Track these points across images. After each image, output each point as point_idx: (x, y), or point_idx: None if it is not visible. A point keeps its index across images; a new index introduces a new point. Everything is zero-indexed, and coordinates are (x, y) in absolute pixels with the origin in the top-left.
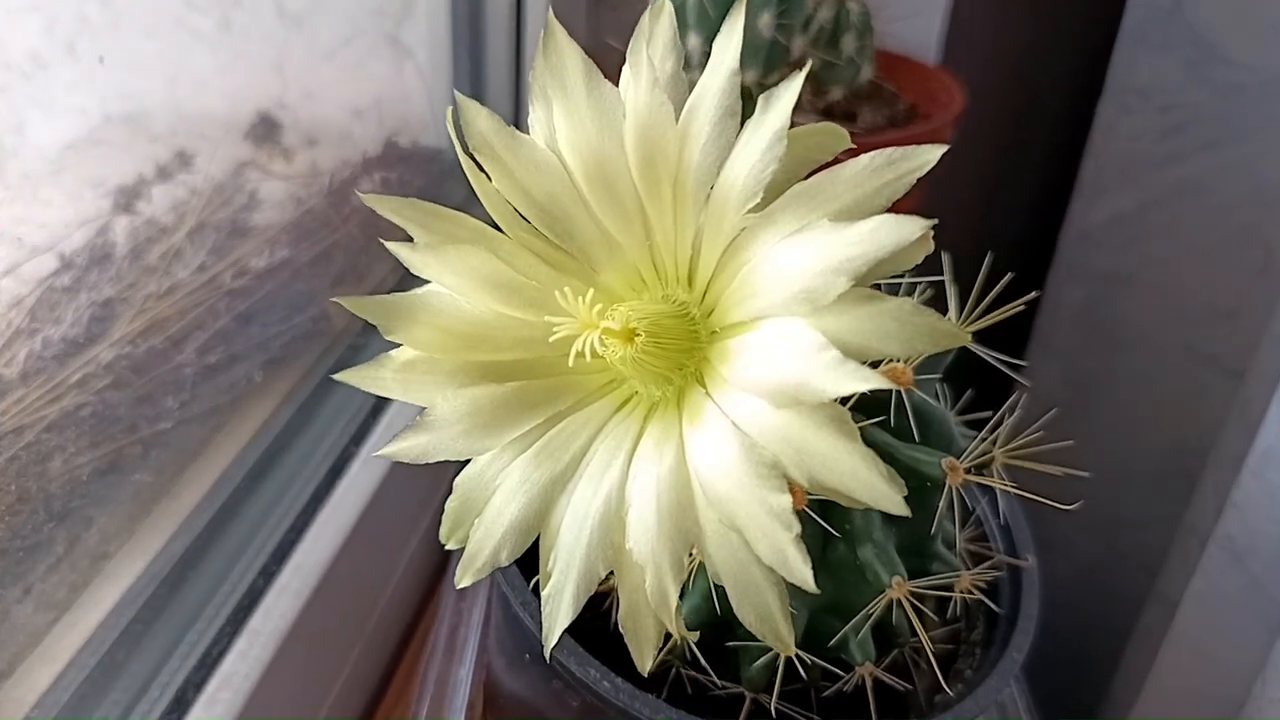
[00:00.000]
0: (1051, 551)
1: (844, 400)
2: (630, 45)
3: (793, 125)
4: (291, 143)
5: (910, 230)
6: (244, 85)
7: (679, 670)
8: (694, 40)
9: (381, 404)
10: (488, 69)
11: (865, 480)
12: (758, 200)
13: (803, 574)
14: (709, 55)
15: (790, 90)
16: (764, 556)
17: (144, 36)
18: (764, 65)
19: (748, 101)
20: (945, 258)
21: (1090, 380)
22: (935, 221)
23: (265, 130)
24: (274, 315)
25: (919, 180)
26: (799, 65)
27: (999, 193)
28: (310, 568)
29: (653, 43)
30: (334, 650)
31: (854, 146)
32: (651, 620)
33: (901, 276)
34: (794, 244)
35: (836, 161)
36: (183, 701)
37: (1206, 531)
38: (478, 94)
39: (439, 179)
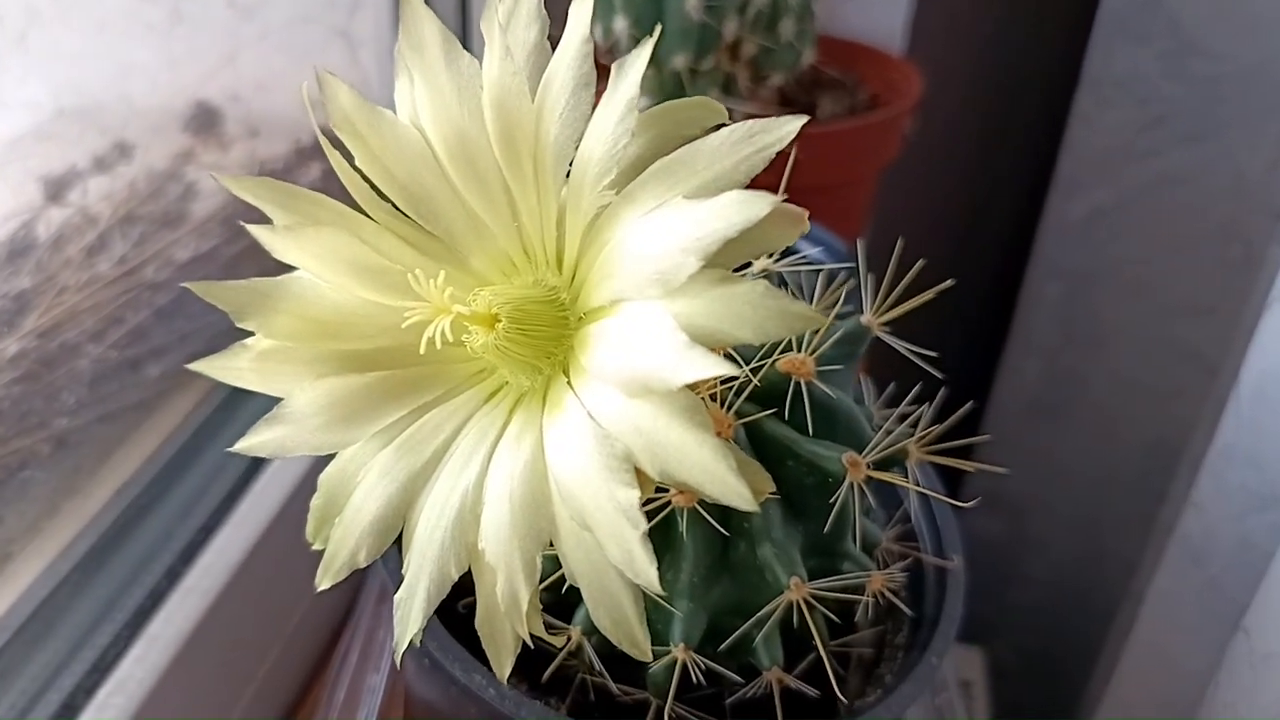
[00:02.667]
0: (1029, 551)
1: (738, 391)
2: (483, 14)
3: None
4: (233, 133)
5: (760, 207)
6: (196, 77)
7: (584, 676)
8: (621, 24)
9: None
10: None
11: (714, 474)
12: (612, 177)
13: (648, 575)
14: (637, 40)
15: (639, 62)
16: (611, 555)
17: (95, 29)
18: (695, 50)
19: (678, 89)
20: (859, 245)
21: (1069, 377)
22: (785, 198)
23: (205, 120)
24: (197, 309)
25: (894, 172)
26: (733, 49)
27: (976, 186)
28: (219, 569)
29: (515, 11)
30: (245, 655)
31: (726, 123)
32: (509, 625)
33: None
34: (649, 222)
35: None
36: (71, 707)
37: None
38: None
39: None
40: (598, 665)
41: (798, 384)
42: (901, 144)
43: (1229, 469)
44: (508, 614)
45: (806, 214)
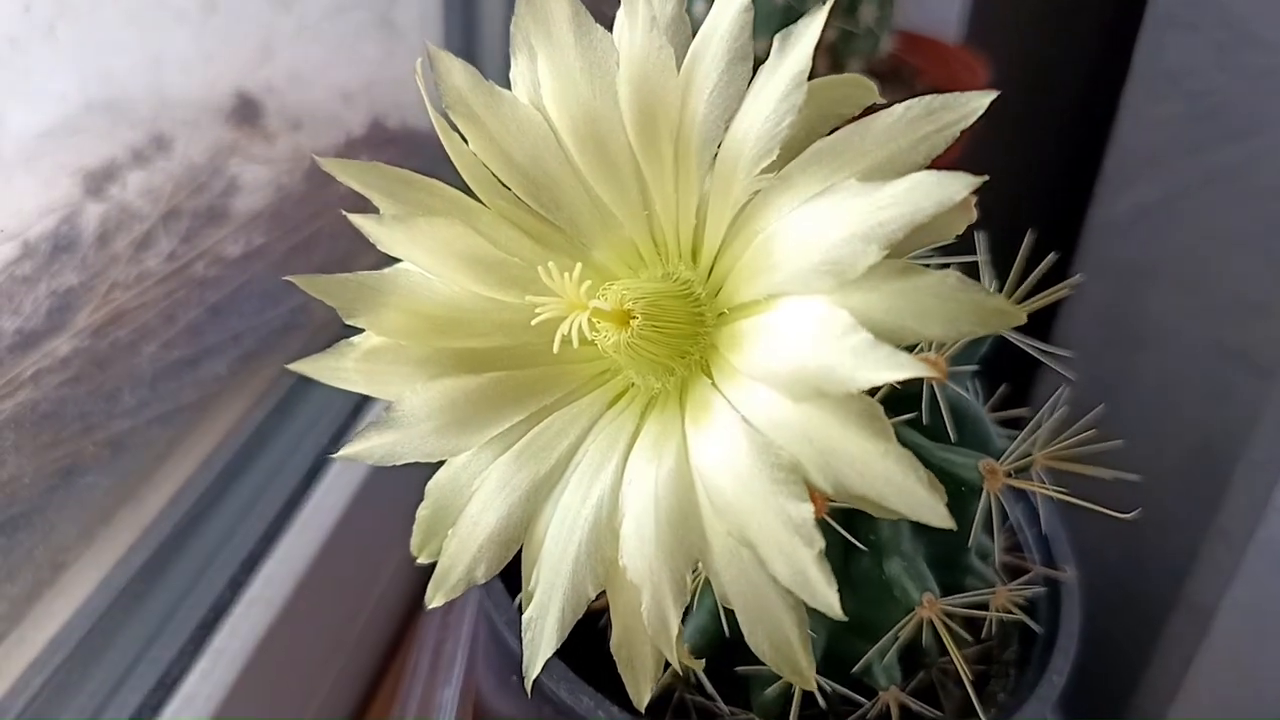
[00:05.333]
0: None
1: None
2: None
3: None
4: (274, 126)
5: (955, 189)
6: (230, 68)
7: (682, 695)
8: (700, 7)
9: (365, 401)
10: (481, 48)
11: (902, 487)
12: (773, 158)
13: (826, 597)
14: None
15: (811, 29)
16: (780, 576)
17: (126, 20)
18: (777, 34)
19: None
20: (979, 237)
21: (1113, 378)
22: (985, 178)
23: (246, 113)
24: (249, 307)
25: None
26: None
27: (1019, 180)
28: (282, 579)
29: None
30: (309, 669)
31: (882, 101)
32: (649, 647)
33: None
34: (816, 208)
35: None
36: None
37: (1240, 536)
38: None
39: (431, 163)
40: (708, 686)
41: (929, 385)
42: (967, 137)
43: None
44: (655, 637)
45: (975, 199)
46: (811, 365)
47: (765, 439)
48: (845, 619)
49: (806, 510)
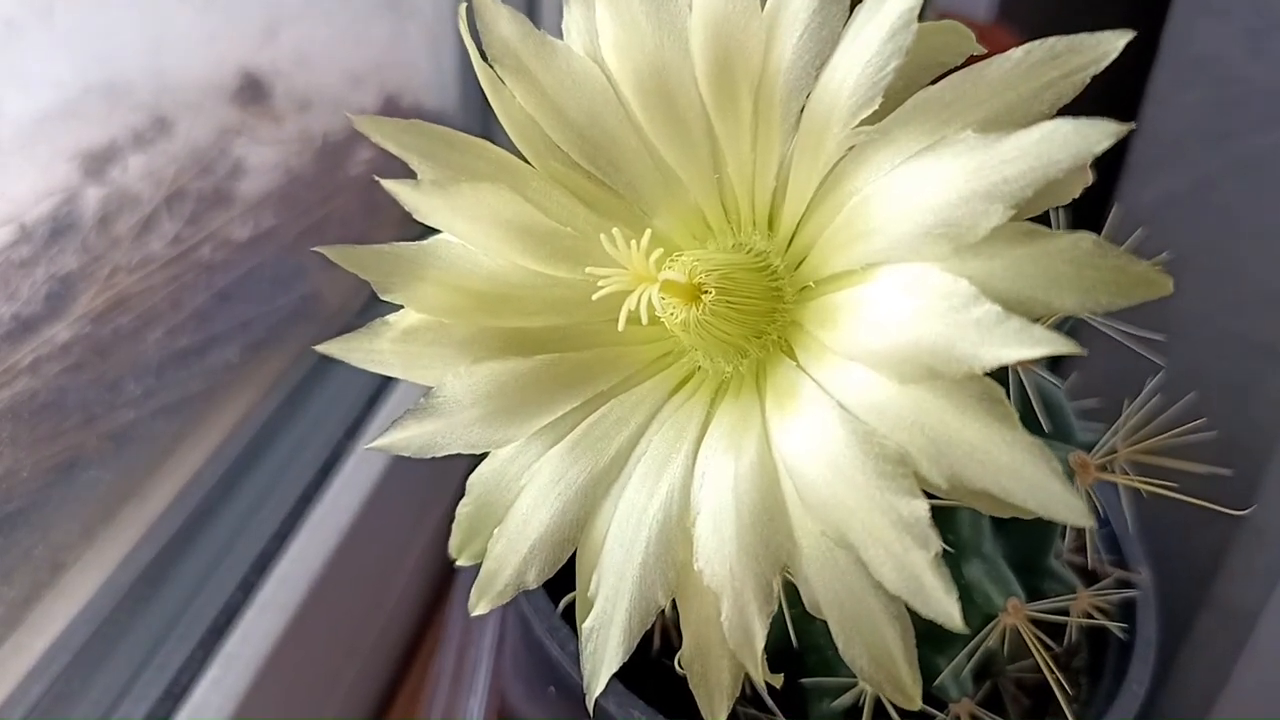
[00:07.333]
0: None
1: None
2: None
3: None
4: (282, 107)
5: (1096, 139)
6: (233, 50)
7: (736, 707)
8: None
9: (381, 390)
10: None
11: (1033, 481)
12: (874, 108)
13: (944, 606)
14: None
15: None
16: (888, 582)
17: (127, 2)
18: None
19: None
20: (1055, 212)
21: (1137, 371)
22: (1132, 126)
23: (252, 93)
24: (259, 292)
25: None
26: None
27: None
28: (296, 580)
29: None
30: (324, 676)
31: (982, 50)
32: (726, 661)
33: None
34: (924, 164)
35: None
36: None
37: (1277, 534)
38: None
39: None
40: (769, 702)
41: (1015, 373)
42: None
43: None
44: (737, 649)
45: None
46: (925, 342)
47: (866, 427)
48: (966, 631)
49: (920, 507)
